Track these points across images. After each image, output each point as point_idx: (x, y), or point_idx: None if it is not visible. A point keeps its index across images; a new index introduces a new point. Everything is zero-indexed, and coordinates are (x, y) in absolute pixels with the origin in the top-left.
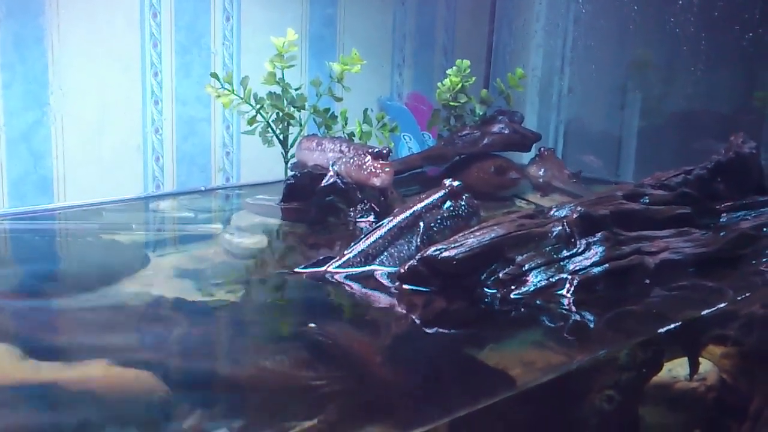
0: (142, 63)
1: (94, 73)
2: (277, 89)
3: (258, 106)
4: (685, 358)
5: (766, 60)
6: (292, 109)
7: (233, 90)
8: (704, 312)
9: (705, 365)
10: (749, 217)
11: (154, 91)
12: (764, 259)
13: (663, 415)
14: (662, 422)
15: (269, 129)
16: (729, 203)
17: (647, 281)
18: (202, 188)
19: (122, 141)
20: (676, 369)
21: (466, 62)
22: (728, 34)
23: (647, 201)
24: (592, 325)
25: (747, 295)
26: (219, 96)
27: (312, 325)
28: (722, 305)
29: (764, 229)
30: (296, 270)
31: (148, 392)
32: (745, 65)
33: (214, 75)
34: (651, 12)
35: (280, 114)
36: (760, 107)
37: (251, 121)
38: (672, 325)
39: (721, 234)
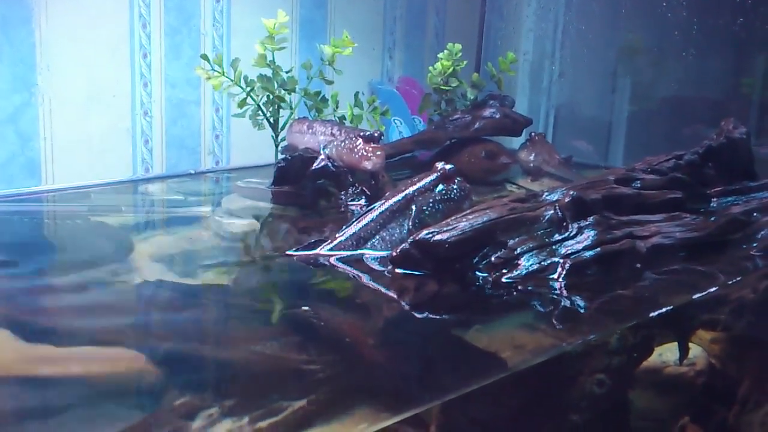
0: (131, 44)
1: (82, 55)
2: (268, 72)
3: (248, 89)
4: (675, 343)
5: (756, 46)
6: (282, 91)
7: (223, 72)
8: (694, 296)
9: (694, 350)
10: (739, 202)
11: (143, 73)
12: (754, 244)
13: (652, 399)
14: (652, 406)
15: (260, 112)
16: (719, 188)
17: (638, 265)
18: (192, 171)
19: (111, 123)
20: (665, 354)
21: (458, 46)
22: (719, 20)
23: (639, 185)
24: (583, 309)
25: (737, 279)
26: (209, 78)
27: (305, 308)
28: (712, 290)
29: (754, 214)
30: (288, 253)
31: (138, 374)
32: (735, 51)
33: (204, 57)
34: None
35: (271, 97)
36: (748, 93)
37: (241, 103)
38: (662, 310)
39: (712, 219)
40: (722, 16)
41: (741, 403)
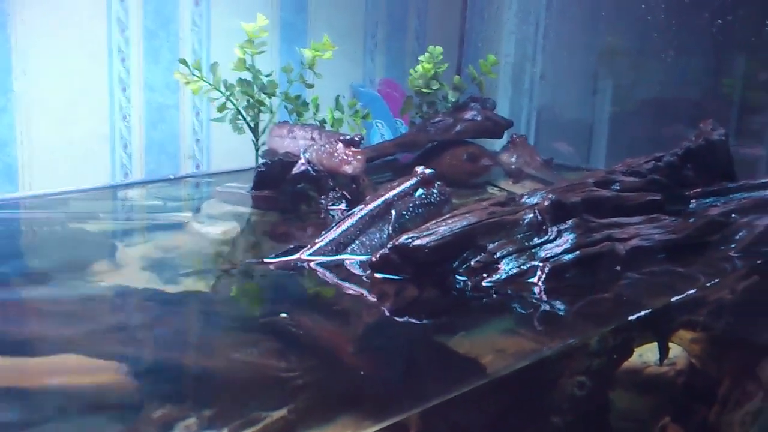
0: (109, 48)
1: (59, 59)
2: (248, 76)
3: (228, 93)
4: (655, 343)
5: (735, 47)
6: (262, 95)
7: (202, 76)
8: (673, 299)
9: (675, 350)
10: (718, 204)
11: (122, 77)
12: (732, 245)
13: (633, 399)
14: (633, 407)
15: (239, 116)
16: (698, 189)
17: (618, 268)
18: (171, 176)
19: (89, 128)
20: (646, 354)
21: (439, 48)
22: (698, 21)
23: (618, 188)
24: (563, 313)
25: (716, 281)
26: (188, 82)
27: (284, 315)
28: (691, 291)
29: (732, 216)
30: (266, 260)
31: (116, 385)
32: (714, 52)
33: (183, 61)
34: None
35: (251, 101)
36: (728, 94)
37: (221, 108)
38: (642, 312)
39: (691, 220)
40: (701, 17)
41: (721, 402)
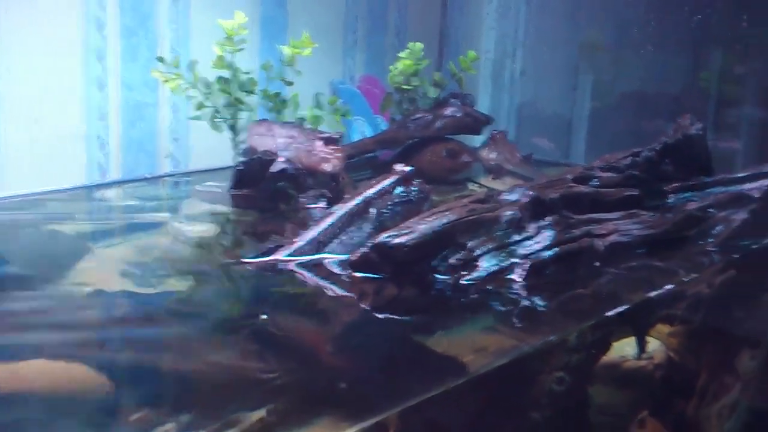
0: (86, 46)
1: (34, 57)
2: (227, 73)
3: (207, 91)
4: (634, 337)
5: (713, 42)
6: (241, 93)
7: (181, 74)
8: (652, 294)
9: (653, 343)
10: (696, 199)
11: (99, 75)
12: (710, 239)
13: (612, 394)
14: (611, 401)
15: (218, 114)
16: (677, 184)
17: (597, 264)
18: (147, 175)
19: (65, 127)
20: (624, 348)
21: (419, 45)
22: (676, 16)
23: (597, 184)
24: (542, 309)
25: (693, 276)
26: (166, 80)
27: (264, 315)
28: (669, 286)
29: (710, 210)
30: (245, 260)
31: (92, 390)
32: (692, 47)
33: (161, 59)
34: None
35: (230, 99)
36: (705, 88)
37: (199, 106)
38: (620, 308)
39: (669, 215)
40: (679, 13)
41: (699, 395)
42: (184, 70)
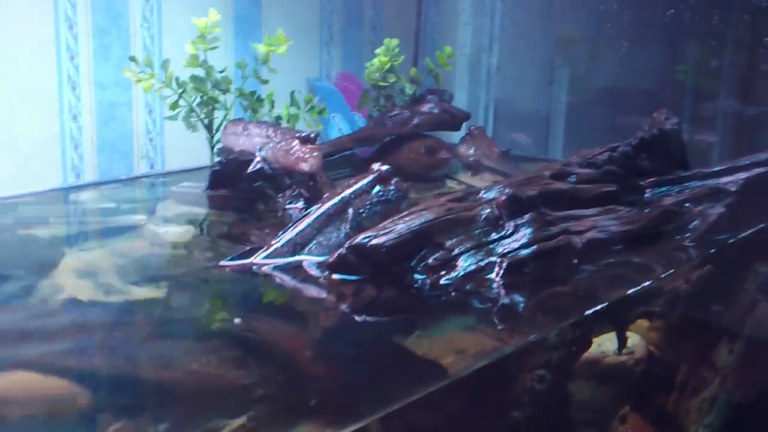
0: (57, 46)
1: (5, 58)
2: (201, 72)
3: (180, 90)
4: (614, 333)
5: (687, 36)
6: (216, 92)
7: (154, 73)
8: (630, 290)
9: (633, 338)
10: (672, 193)
11: (71, 75)
12: (687, 234)
13: (594, 389)
14: (593, 397)
15: (193, 113)
16: (653, 179)
17: (575, 261)
18: (124, 177)
19: (38, 129)
20: (604, 344)
21: (395, 41)
22: (650, 11)
23: (574, 180)
24: (521, 308)
25: (671, 271)
26: (139, 80)
27: (241, 320)
28: (647, 283)
29: (686, 205)
30: (222, 263)
31: (70, 399)
32: (667, 41)
33: (133, 59)
34: None
35: (204, 98)
36: (681, 80)
37: (174, 105)
38: (599, 306)
39: (646, 211)
40: (653, 7)
41: (679, 389)
42: (157, 70)
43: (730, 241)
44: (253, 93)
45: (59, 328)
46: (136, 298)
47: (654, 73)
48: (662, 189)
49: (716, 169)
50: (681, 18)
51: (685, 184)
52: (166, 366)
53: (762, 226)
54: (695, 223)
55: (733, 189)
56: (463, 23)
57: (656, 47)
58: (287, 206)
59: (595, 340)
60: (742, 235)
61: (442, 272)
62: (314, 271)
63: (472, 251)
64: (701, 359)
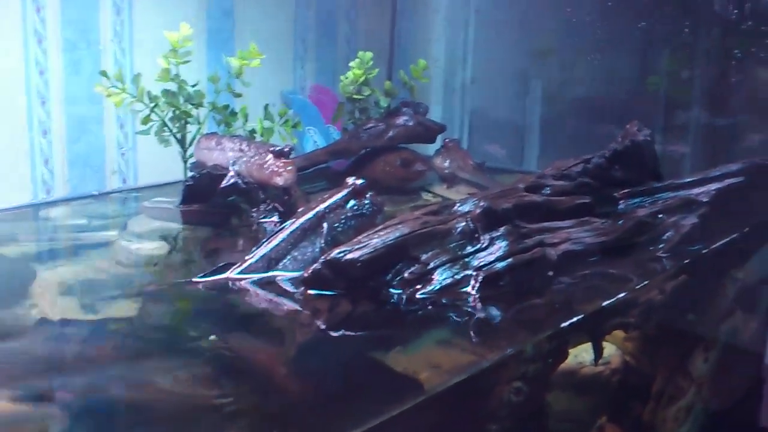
0: (26, 61)
1: None
2: (173, 86)
3: (152, 105)
4: (590, 343)
5: (659, 47)
6: (189, 106)
7: (125, 88)
8: (605, 302)
9: (609, 348)
10: (646, 204)
11: (40, 90)
12: (660, 245)
13: (571, 400)
14: (571, 408)
15: (165, 128)
16: (627, 190)
17: (550, 273)
18: (96, 192)
19: (7, 144)
20: (581, 354)
21: (369, 54)
22: (622, 23)
23: (548, 192)
24: (497, 321)
25: (645, 282)
26: (110, 95)
27: (213, 337)
28: (622, 294)
29: (659, 216)
30: (196, 279)
31: (39, 420)
32: (639, 52)
33: (104, 73)
34: (548, 1)
35: (177, 112)
36: (654, 91)
37: (145, 120)
38: (575, 318)
39: (620, 222)
40: (625, 19)
41: (655, 399)
42: (129, 84)
43: (704, 251)
44: (226, 107)
45: (28, 347)
46: (108, 315)
47: (627, 83)
48: (636, 200)
49: (688, 180)
50: (652, 29)
51: (658, 195)
52: (140, 385)
53: (734, 236)
54: (669, 234)
55: (706, 200)
56: (437, 36)
57: (629, 58)
58: (262, 220)
59: (572, 351)
60: (715, 245)
61: (418, 286)
62: (289, 287)
63: (448, 265)
64: (677, 368)
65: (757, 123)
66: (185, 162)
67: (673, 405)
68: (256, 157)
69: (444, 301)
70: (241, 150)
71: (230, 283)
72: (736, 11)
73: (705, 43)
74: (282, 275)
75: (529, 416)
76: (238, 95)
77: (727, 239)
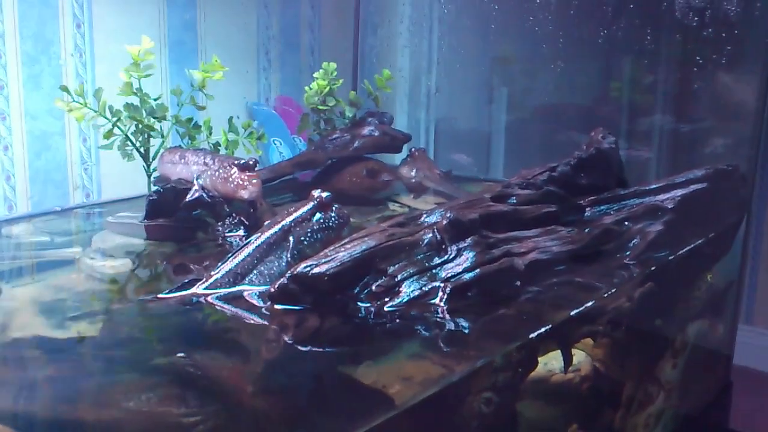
0: None
1: None
2: (135, 100)
3: (114, 119)
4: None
5: (620, 54)
6: (152, 120)
7: (86, 103)
8: (574, 311)
9: (578, 355)
10: (612, 212)
11: (0, 106)
12: (627, 252)
13: (542, 408)
14: (542, 416)
15: (128, 142)
16: (593, 198)
17: (518, 283)
18: (59, 208)
19: None
20: (551, 362)
21: (333, 65)
22: (584, 31)
23: (515, 201)
24: (466, 332)
25: (613, 290)
26: (71, 110)
27: (180, 355)
28: (590, 303)
29: (626, 223)
30: (161, 296)
31: None
32: (601, 59)
33: (64, 88)
34: (511, 10)
35: (140, 126)
36: (617, 97)
37: (108, 134)
38: (543, 328)
39: (586, 230)
40: (587, 27)
41: (626, 405)
42: (90, 98)
43: (670, 258)
44: (190, 120)
45: None
46: (72, 334)
47: (590, 90)
48: (602, 207)
49: (654, 186)
50: (615, 37)
51: (624, 202)
52: (105, 405)
53: (700, 242)
54: (635, 241)
55: (671, 206)
56: (401, 46)
57: (591, 65)
58: (227, 234)
59: (542, 359)
60: (681, 251)
61: (386, 299)
62: (256, 302)
63: (416, 276)
64: (646, 375)
65: (720, 128)
66: (149, 176)
67: (643, 411)
68: (221, 171)
69: (412, 314)
70: (205, 163)
71: (196, 298)
72: (696, 18)
73: (667, 50)
74: (249, 290)
75: (501, 426)
76: (202, 108)
77: (693, 245)
